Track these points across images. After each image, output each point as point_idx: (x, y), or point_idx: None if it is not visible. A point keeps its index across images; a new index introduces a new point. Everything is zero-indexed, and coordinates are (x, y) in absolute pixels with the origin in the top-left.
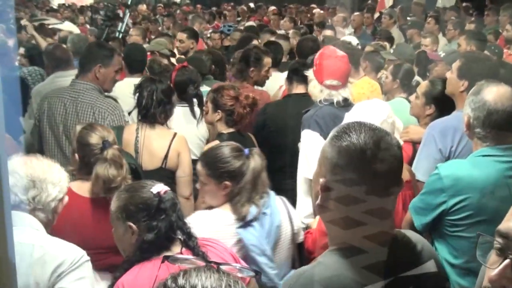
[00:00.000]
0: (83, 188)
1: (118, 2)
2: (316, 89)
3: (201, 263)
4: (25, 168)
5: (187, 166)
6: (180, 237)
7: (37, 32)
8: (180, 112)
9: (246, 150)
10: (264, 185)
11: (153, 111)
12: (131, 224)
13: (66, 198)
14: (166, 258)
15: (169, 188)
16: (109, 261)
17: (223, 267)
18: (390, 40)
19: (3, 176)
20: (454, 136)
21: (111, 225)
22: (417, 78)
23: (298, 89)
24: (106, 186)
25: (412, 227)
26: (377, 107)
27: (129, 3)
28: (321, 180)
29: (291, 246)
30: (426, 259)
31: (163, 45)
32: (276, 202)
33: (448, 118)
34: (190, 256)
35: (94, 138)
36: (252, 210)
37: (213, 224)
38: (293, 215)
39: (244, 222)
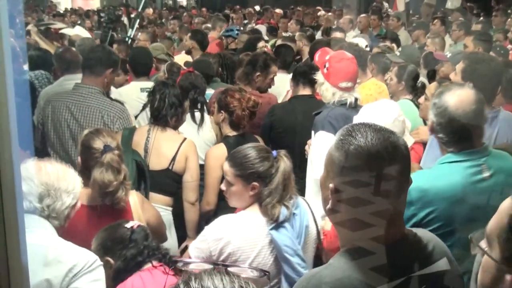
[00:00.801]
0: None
1: (120, 3)
2: (328, 92)
3: (209, 266)
4: (40, 175)
5: (194, 171)
6: (152, 260)
7: (43, 36)
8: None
9: (274, 152)
10: (293, 186)
11: (164, 114)
12: (108, 258)
13: (79, 204)
14: (175, 263)
15: (142, 223)
16: None
17: (231, 269)
18: (396, 41)
19: (16, 180)
20: None
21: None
22: (422, 79)
23: (305, 91)
24: (102, 191)
25: None
26: (387, 106)
27: (139, 10)
28: (331, 184)
29: (315, 246)
30: (438, 257)
31: (159, 50)
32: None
33: None
34: (197, 260)
35: (97, 143)
36: (284, 211)
37: (244, 227)
38: (316, 214)
39: (277, 223)
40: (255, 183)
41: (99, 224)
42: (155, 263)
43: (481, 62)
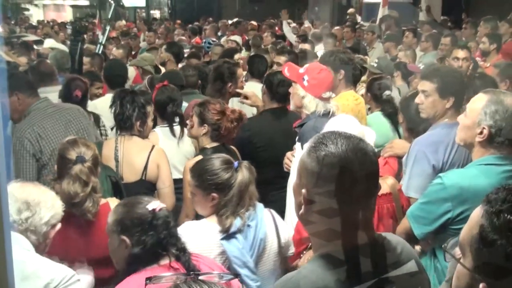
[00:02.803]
0: None
1: (86, 14)
2: (312, 104)
3: (181, 277)
4: (21, 191)
5: (166, 177)
6: (170, 252)
7: (14, 49)
8: (160, 133)
9: (236, 163)
10: (252, 198)
11: (128, 116)
12: (125, 238)
13: (59, 225)
14: (149, 279)
15: (165, 206)
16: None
17: (202, 277)
18: (356, 52)
19: (3, 199)
20: (445, 149)
21: (80, 240)
22: (387, 92)
23: (276, 104)
24: (69, 202)
25: (408, 235)
26: (346, 121)
27: (109, 16)
28: (303, 190)
29: (277, 259)
30: (406, 260)
31: (148, 61)
32: (264, 215)
33: (433, 133)
34: (169, 273)
35: (71, 153)
36: (237, 223)
37: (198, 235)
38: (281, 228)
39: (228, 234)
40: (214, 194)
41: (73, 232)
42: (173, 262)
43: (452, 75)
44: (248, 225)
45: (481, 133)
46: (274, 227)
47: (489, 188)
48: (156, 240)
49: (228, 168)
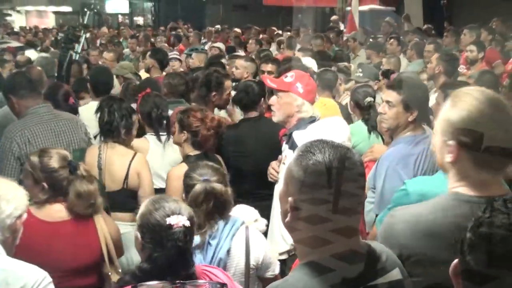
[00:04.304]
0: (43, 212)
1: (79, 24)
2: (310, 109)
3: (167, 285)
4: None
5: (147, 185)
6: (179, 275)
7: None
8: (151, 141)
9: (203, 178)
10: (215, 216)
11: (116, 126)
12: (138, 234)
13: (25, 215)
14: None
15: (187, 224)
16: (70, 284)
17: (189, 285)
18: (338, 59)
19: None
20: (414, 162)
21: (71, 249)
22: (368, 99)
23: (253, 113)
24: (87, 202)
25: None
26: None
27: (85, 22)
28: (290, 198)
29: (243, 281)
30: (391, 268)
31: (127, 69)
32: (235, 233)
33: (399, 147)
34: (155, 281)
35: (56, 163)
36: (196, 239)
37: None
38: (254, 248)
39: None
40: (183, 196)
41: (64, 241)
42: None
43: (418, 87)
44: (209, 243)
45: None
46: (244, 247)
47: None
48: (166, 262)
49: (197, 178)
